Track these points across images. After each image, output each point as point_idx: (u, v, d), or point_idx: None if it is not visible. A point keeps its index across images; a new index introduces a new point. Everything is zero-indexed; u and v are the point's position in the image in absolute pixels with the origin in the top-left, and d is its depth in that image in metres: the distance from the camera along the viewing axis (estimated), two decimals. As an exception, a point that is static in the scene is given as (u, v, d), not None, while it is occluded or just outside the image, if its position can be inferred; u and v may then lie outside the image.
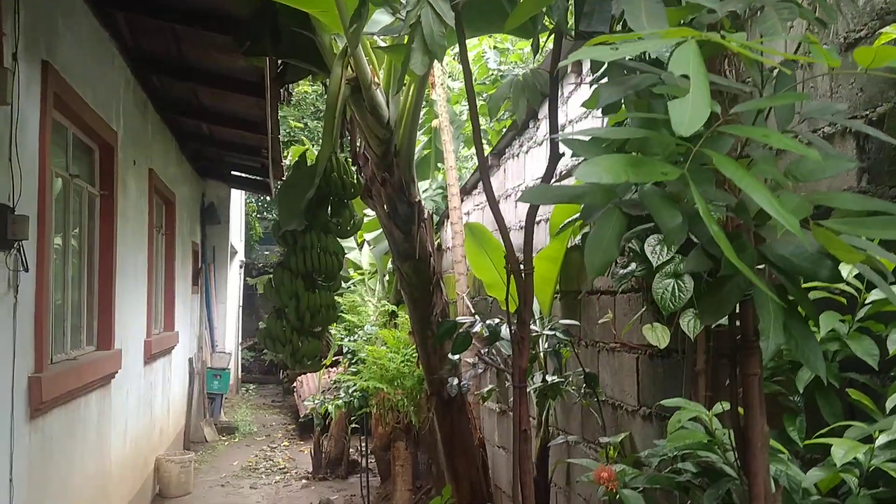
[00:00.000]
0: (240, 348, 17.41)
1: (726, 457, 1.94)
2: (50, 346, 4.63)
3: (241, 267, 17.73)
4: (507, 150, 6.32)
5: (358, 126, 4.25)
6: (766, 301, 1.28)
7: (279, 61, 4.76)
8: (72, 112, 5.01)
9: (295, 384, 14.35)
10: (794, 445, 2.07)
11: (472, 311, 5.58)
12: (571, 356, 4.15)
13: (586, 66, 4.85)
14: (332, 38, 3.94)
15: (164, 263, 9.18)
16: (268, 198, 21.70)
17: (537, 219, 5.18)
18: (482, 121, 9.77)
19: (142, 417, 7.57)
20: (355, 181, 3.83)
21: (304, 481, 9.38)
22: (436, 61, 2.53)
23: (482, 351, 3.72)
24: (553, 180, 5.19)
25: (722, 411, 2.19)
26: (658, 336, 2.99)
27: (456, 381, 3.85)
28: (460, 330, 3.28)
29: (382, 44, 4.14)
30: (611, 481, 2.13)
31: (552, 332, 3.77)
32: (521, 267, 2.90)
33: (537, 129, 5.64)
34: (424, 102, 5.09)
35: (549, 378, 4.12)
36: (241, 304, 17.68)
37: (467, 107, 10.09)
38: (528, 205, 5.58)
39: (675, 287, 2.99)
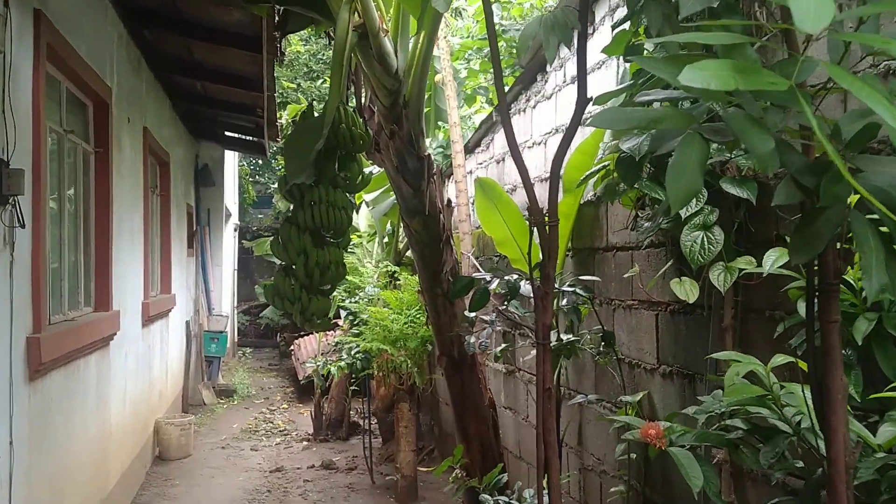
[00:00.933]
0: (235, 312, 17.30)
1: (783, 413, 1.82)
2: (48, 307, 4.49)
3: (235, 230, 17.57)
4: (512, 105, 6.16)
5: (364, 76, 4.09)
6: (866, 236, 1.15)
7: (278, 10, 4.57)
8: (65, 65, 4.82)
9: (293, 347, 14.27)
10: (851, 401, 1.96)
11: (479, 270, 5.45)
12: (588, 314, 4.04)
13: (600, 13, 4.67)
14: (337, -18, 3.76)
15: (159, 225, 9.02)
16: (260, 161, 21.49)
17: (546, 175, 5.04)
18: (481, 77, 9.58)
19: (141, 380, 7.46)
20: (364, 133, 3.67)
21: (304, 443, 9.32)
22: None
23: (500, 307, 3.60)
24: (550, 136, 5.05)
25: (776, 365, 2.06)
26: (686, 290, 2.87)
27: (473, 338, 3.74)
28: (478, 287, 3.15)
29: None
30: (658, 439, 2.02)
31: (571, 289, 3.64)
32: (546, 219, 2.77)
33: (545, 82, 5.47)
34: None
35: (563, 336, 4.01)
36: (236, 267, 17.55)
37: (465, 64, 9.89)
38: (542, 159, 5.44)
39: (705, 239, 2.87)
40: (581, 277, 3.61)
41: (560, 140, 2.88)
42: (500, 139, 6.51)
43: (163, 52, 8.04)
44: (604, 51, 3.48)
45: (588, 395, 4.29)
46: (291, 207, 3.68)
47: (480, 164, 6.93)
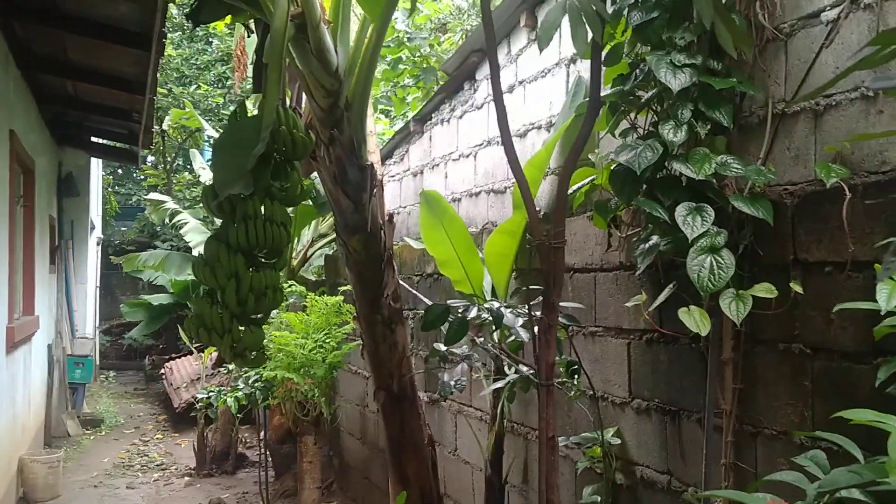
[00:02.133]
0: (97, 332, 16.04)
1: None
2: None
3: (98, 244, 16.34)
4: (433, 114, 5.77)
5: (298, 75, 3.60)
6: None
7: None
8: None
9: (163, 371, 13.30)
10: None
11: (411, 292, 5.02)
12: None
13: (542, 19, 4.36)
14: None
15: (23, 240, 8.08)
16: (120, 170, 20.19)
17: (497, 187, 4.68)
18: (383, 87, 9.14)
19: (5, 414, 6.58)
20: (306, 137, 3.18)
21: (186, 478, 8.56)
22: None
23: (478, 339, 3.20)
24: (481, 148, 4.70)
25: None
26: (697, 322, 2.55)
27: (447, 376, 3.30)
28: (453, 316, 2.73)
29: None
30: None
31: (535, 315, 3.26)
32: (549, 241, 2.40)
33: (475, 90, 5.12)
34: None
35: (513, 369, 3.63)
36: (98, 284, 16.30)
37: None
38: (472, 172, 5.08)
39: (714, 263, 2.56)
40: (565, 304, 3.25)
41: (569, 154, 2.52)
42: (416, 151, 6.11)
43: (33, 49, 7.20)
44: (581, 54, 3.15)
45: (535, 428, 3.93)
46: (219, 223, 3.16)
47: (393, 176, 6.50)
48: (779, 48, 2.71)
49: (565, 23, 2.55)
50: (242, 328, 3.08)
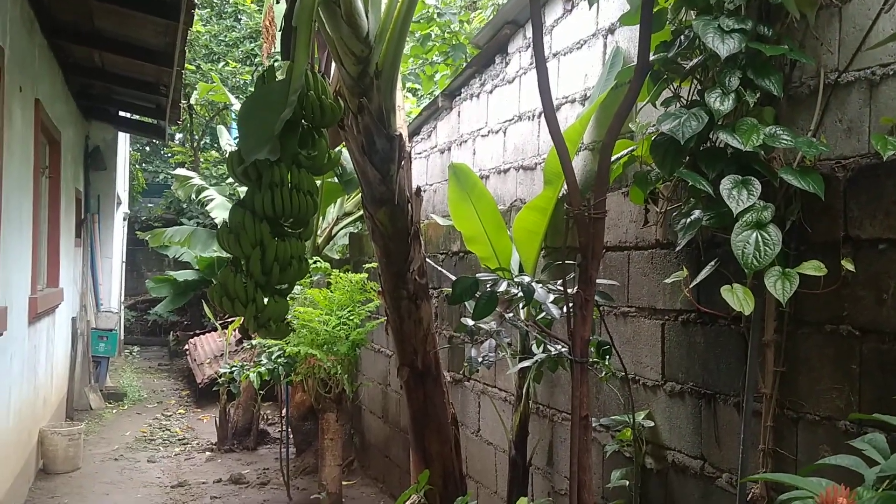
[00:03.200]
0: (122, 307, 16.12)
1: None
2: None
3: (124, 219, 16.39)
4: (462, 89, 5.65)
5: (327, 41, 3.51)
6: None
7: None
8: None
9: (187, 346, 13.33)
10: None
11: (437, 269, 4.93)
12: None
13: (580, -10, 4.22)
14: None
15: (48, 211, 8.06)
16: (148, 147, 20.25)
17: (526, 163, 4.57)
18: (411, 63, 9.03)
19: (26, 386, 6.58)
20: (334, 103, 3.09)
21: (208, 453, 8.54)
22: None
23: (507, 315, 3.10)
24: (512, 123, 4.58)
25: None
26: (740, 300, 2.43)
27: (474, 351, 3.21)
28: (482, 290, 2.63)
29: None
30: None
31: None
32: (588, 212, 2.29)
33: (506, 63, 4.99)
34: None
35: (541, 348, 3.52)
36: (124, 259, 16.36)
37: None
38: (501, 148, 4.97)
39: (759, 239, 2.43)
40: (599, 281, 3.14)
41: (612, 120, 2.40)
42: (443, 127, 6.00)
43: (59, 16, 7.14)
44: (621, 20, 3.03)
45: (562, 410, 3.83)
46: (244, 190, 3.07)
47: (420, 153, 6.40)
48: (832, 14, 2.57)
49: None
50: (266, 298, 3.01)
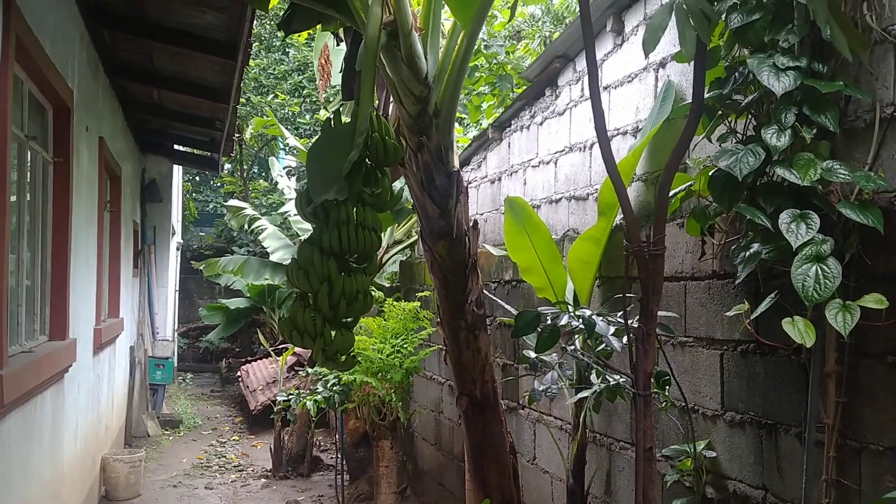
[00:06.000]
0: (176, 335, 16.44)
1: None
2: (6, 338, 3.88)
3: (178, 249, 16.76)
4: (512, 121, 5.76)
5: (387, 82, 3.63)
6: None
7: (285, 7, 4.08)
8: (31, 62, 4.23)
9: (240, 373, 13.53)
10: None
11: (490, 297, 5.01)
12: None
13: (630, 24, 4.30)
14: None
15: (109, 243, 8.32)
16: (198, 177, 20.69)
17: (578, 193, 4.64)
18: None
19: (90, 414, 6.78)
20: (397, 144, 3.20)
21: (263, 480, 8.68)
22: None
23: (568, 347, 3.17)
24: (562, 154, 4.65)
25: None
26: (802, 332, 2.48)
27: (537, 384, 3.28)
28: (545, 323, 2.71)
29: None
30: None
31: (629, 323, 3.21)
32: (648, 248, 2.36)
33: (556, 96, 5.08)
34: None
35: (600, 378, 3.58)
36: (177, 287, 16.71)
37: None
38: (552, 179, 5.05)
39: (819, 272, 2.48)
40: (661, 313, 3.20)
41: (671, 158, 2.47)
42: (493, 158, 6.10)
43: (120, 56, 7.42)
44: (675, 57, 3.10)
45: (620, 439, 3.86)
46: (310, 228, 3.19)
47: (470, 183, 6.50)
48: (887, 50, 2.62)
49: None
50: (334, 332, 3.12)
